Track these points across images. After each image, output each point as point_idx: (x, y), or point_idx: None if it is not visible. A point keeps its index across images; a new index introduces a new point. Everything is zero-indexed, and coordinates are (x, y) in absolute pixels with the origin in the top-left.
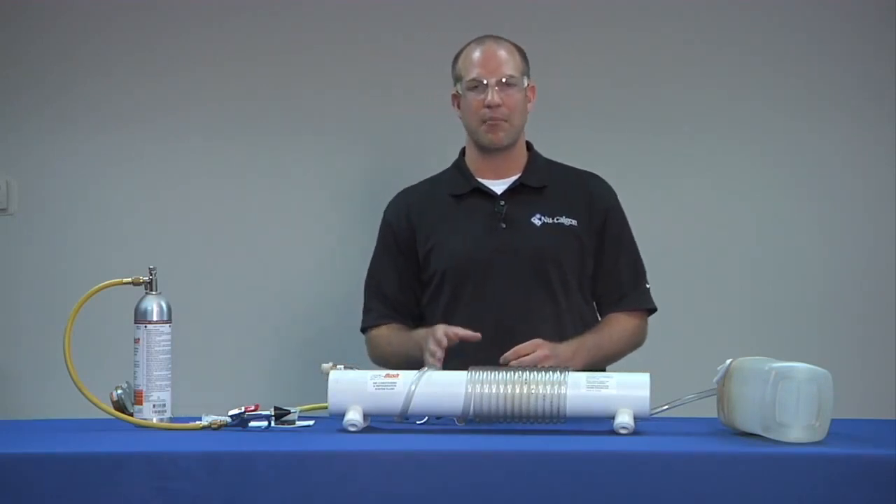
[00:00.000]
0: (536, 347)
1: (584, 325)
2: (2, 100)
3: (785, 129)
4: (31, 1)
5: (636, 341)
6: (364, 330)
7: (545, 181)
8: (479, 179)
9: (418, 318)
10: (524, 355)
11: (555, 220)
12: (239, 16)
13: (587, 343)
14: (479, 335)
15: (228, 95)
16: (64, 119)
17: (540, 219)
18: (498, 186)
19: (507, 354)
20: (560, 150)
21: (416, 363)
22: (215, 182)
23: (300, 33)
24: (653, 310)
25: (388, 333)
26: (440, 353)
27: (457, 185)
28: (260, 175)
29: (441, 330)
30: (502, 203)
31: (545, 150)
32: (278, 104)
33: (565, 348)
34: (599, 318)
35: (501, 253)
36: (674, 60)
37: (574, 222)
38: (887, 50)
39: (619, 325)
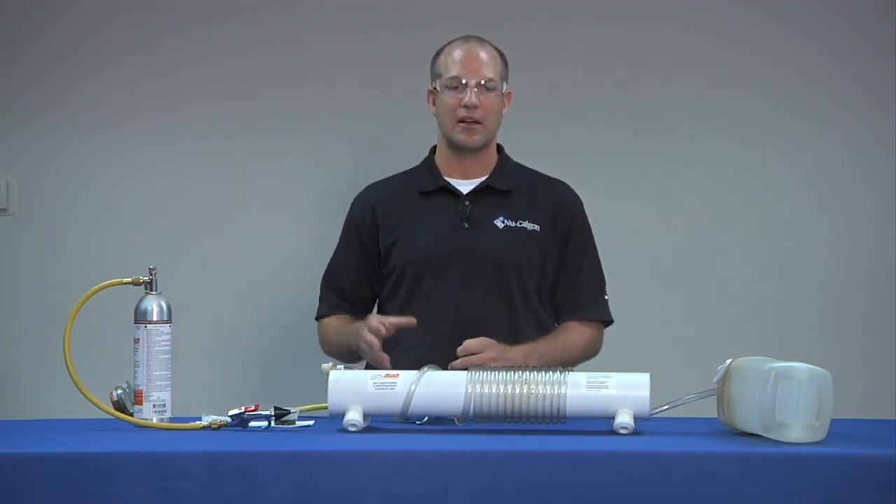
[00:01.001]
0: (485, 347)
1: (541, 330)
2: (2, 100)
3: (785, 129)
4: (31, 1)
5: (590, 351)
6: (318, 319)
7: (512, 185)
8: (447, 178)
9: (377, 313)
10: (473, 353)
11: (517, 224)
12: (239, 16)
13: (540, 349)
14: (414, 320)
15: (228, 95)
16: (64, 119)
17: (503, 221)
18: (464, 186)
19: (459, 350)
20: (559, 149)
21: (356, 354)
22: (215, 182)
23: (300, 33)
24: (609, 322)
25: (336, 324)
26: (377, 343)
27: (424, 182)
28: (260, 175)
29: (375, 319)
30: (467, 203)
31: (544, 150)
32: (278, 104)
33: (517, 352)
34: (557, 326)
35: (461, 252)
36: (674, 60)
37: (537, 227)
38: (887, 50)
39: (574, 333)
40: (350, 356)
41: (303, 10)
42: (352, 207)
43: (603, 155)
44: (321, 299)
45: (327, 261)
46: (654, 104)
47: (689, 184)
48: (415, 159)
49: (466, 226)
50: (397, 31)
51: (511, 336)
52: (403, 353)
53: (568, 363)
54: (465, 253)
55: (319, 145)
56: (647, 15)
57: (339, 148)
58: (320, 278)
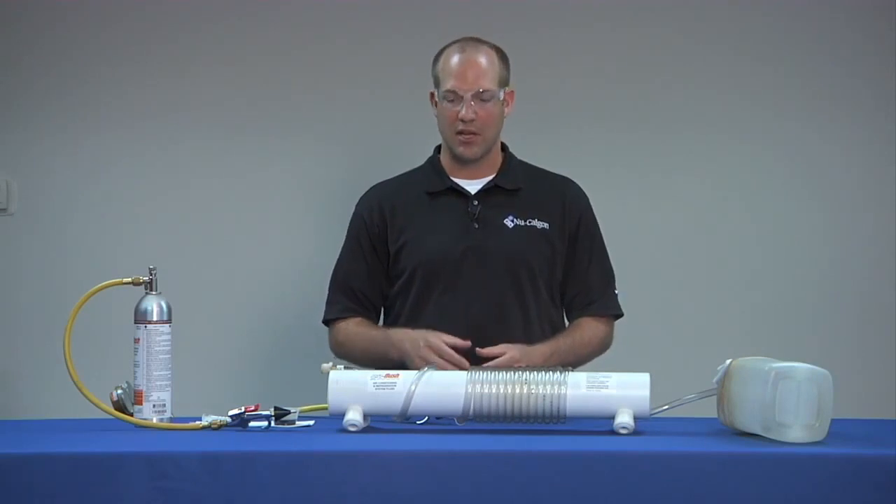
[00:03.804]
0: (505, 351)
1: (552, 327)
2: (2, 100)
3: (785, 129)
4: (31, 1)
5: (604, 346)
6: (327, 322)
7: (519, 184)
8: (454, 178)
9: (383, 312)
10: (494, 356)
11: (527, 223)
12: (239, 16)
13: (561, 346)
14: (468, 343)
15: (228, 95)
16: (64, 119)
17: (512, 221)
18: (472, 186)
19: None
20: (558, 149)
21: (387, 364)
22: (215, 182)
23: (300, 33)
24: (619, 315)
25: (358, 330)
26: (448, 364)
27: (431, 182)
28: (260, 175)
29: (438, 339)
30: (476, 203)
31: (543, 150)
32: (278, 104)
33: (540, 351)
34: (567, 321)
35: (473, 253)
36: (674, 60)
37: (546, 226)
38: (887, 50)
39: (589, 329)
40: (376, 364)
41: (303, 10)
42: (357, 208)
43: (602, 155)
44: (330, 302)
45: (327, 260)
46: (654, 104)
47: (689, 183)
48: (415, 159)
49: (476, 226)
50: (397, 31)
51: (524, 334)
52: None
53: (585, 359)
54: (476, 253)
55: (319, 145)
56: (647, 15)
57: (339, 148)
58: (320, 278)
